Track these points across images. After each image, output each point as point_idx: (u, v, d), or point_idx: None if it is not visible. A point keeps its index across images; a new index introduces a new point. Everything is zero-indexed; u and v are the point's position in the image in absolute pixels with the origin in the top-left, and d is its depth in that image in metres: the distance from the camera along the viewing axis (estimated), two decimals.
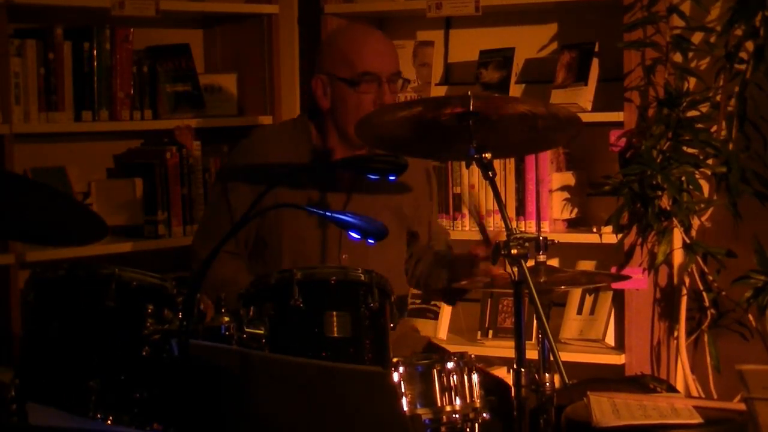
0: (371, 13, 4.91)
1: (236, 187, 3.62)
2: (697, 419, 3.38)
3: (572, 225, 4.62)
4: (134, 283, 2.98)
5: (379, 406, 2.60)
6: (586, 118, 3.90)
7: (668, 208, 4.26)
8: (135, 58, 4.56)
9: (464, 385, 2.99)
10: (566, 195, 4.57)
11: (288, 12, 5.08)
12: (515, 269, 2.99)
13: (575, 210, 4.60)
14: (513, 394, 3.03)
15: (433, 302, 4.75)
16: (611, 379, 4.12)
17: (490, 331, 4.65)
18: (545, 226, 4.53)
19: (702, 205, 4.30)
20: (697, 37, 4.32)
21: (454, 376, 2.98)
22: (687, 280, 4.34)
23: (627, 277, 3.63)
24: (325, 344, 2.97)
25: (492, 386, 3.19)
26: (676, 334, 4.36)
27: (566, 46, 4.60)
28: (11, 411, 2.89)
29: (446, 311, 4.75)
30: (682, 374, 4.35)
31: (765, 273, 4.06)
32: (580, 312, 4.54)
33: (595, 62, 4.50)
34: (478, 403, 3.00)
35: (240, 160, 3.73)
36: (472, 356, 3.05)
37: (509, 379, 3.07)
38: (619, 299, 4.45)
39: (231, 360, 2.69)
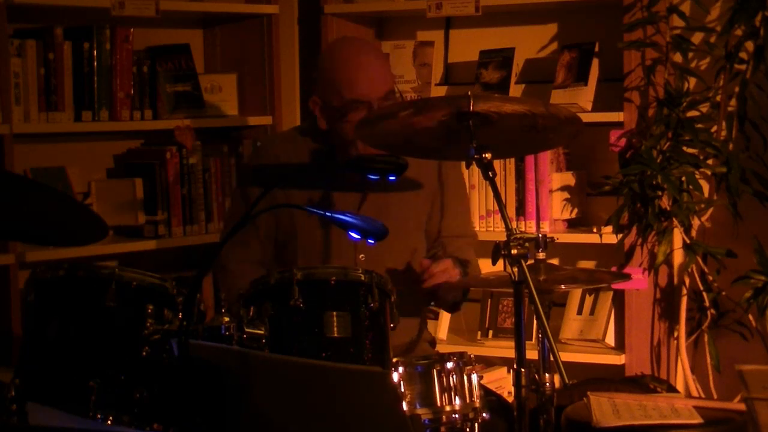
0: (371, 13, 4.91)
1: (253, 192, 3.64)
2: (697, 419, 3.39)
3: (572, 225, 4.62)
4: (134, 283, 2.98)
5: (379, 406, 2.60)
6: (586, 118, 3.90)
7: (668, 208, 4.26)
8: (135, 58, 4.56)
9: (464, 385, 2.99)
10: (566, 195, 4.57)
11: (288, 12, 5.08)
12: (515, 269, 2.99)
13: (575, 210, 4.60)
14: (513, 401, 3.04)
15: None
16: (611, 379, 4.13)
17: (490, 331, 4.65)
18: (545, 226, 4.53)
19: (702, 205, 4.30)
20: (697, 37, 4.32)
21: (454, 376, 2.98)
22: (687, 280, 4.34)
23: (627, 276, 3.63)
24: (325, 344, 2.97)
25: (494, 405, 3.18)
26: (676, 334, 4.36)
27: (566, 46, 4.60)
28: (11, 411, 2.89)
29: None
30: (682, 374, 4.35)
31: (765, 273, 4.06)
32: (580, 312, 4.54)
33: (595, 62, 4.50)
34: (477, 403, 3.00)
35: (254, 163, 3.78)
36: (472, 356, 3.05)
37: (509, 380, 3.08)
38: (619, 299, 4.45)
39: (231, 360, 2.69)
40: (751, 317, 4.19)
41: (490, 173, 3.09)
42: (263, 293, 3.02)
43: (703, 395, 4.28)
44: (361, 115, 3.47)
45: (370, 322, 3.01)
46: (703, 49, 4.30)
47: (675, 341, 4.38)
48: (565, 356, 4.18)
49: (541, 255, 3.19)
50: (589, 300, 4.53)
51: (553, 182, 4.55)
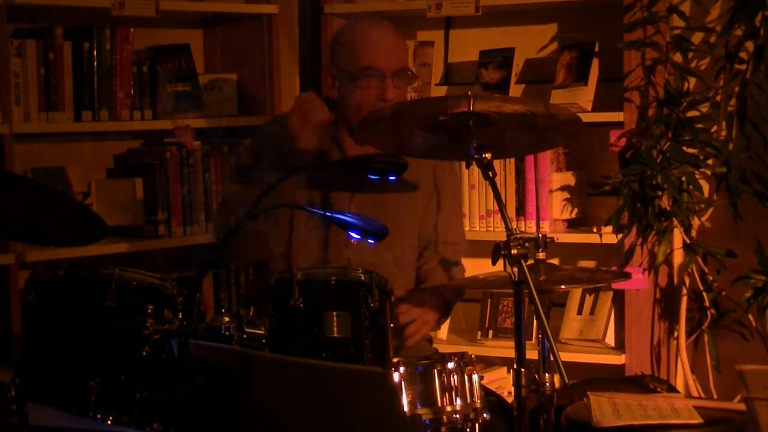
0: (371, 13, 4.90)
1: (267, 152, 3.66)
2: (697, 419, 3.39)
3: (572, 225, 4.62)
4: (134, 283, 2.98)
5: (379, 406, 2.60)
6: (586, 118, 3.90)
7: (668, 208, 4.26)
8: (135, 58, 4.56)
9: (465, 385, 2.99)
10: (566, 195, 4.57)
11: (288, 12, 5.08)
12: (515, 269, 2.99)
13: (575, 210, 4.60)
14: (513, 401, 3.03)
15: None
16: (611, 379, 4.13)
17: (490, 331, 4.65)
18: (545, 226, 4.53)
19: (702, 205, 4.30)
20: (697, 37, 4.32)
21: (455, 376, 2.98)
22: (687, 280, 4.34)
23: (627, 275, 3.62)
24: (325, 344, 2.97)
25: (494, 406, 3.18)
26: (676, 334, 4.36)
27: (566, 46, 4.60)
28: (11, 411, 2.89)
29: None
30: (682, 374, 4.35)
31: (765, 273, 4.06)
32: (580, 312, 4.54)
33: (595, 62, 4.50)
34: (478, 403, 3.00)
35: (268, 139, 3.75)
36: (473, 356, 3.05)
37: (509, 380, 3.08)
38: (619, 299, 4.45)
39: (231, 360, 2.69)
40: (751, 317, 4.19)
41: (490, 173, 3.09)
42: (263, 293, 3.02)
43: (703, 395, 4.28)
44: (373, 86, 3.52)
45: (370, 322, 3.01)
46: (703, 49, 4.30)
47: (675, 341, 4.38)
48: (565, 356, 4.17)
49: (541, 255, 3.19)
50: (589, 300, 4.53)
51: (553, 182, 4.55)
